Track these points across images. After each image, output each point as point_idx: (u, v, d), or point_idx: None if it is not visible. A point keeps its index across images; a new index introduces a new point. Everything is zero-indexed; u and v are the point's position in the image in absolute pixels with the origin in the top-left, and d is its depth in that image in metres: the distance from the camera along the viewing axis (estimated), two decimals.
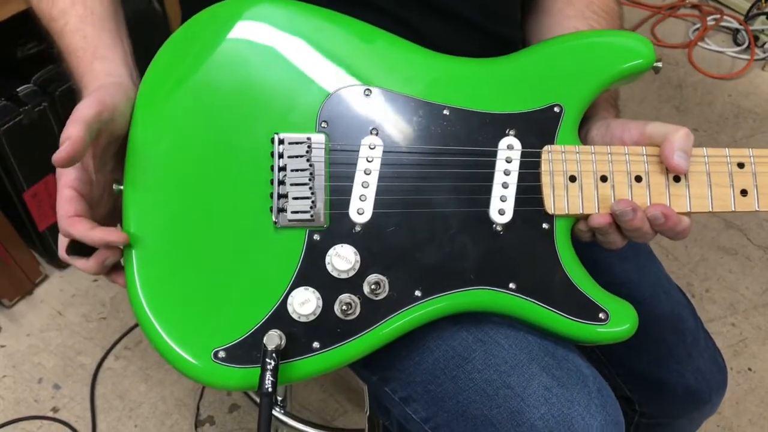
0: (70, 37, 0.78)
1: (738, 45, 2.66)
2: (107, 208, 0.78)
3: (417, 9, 0.83)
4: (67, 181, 0.73)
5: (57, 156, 0.67)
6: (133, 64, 0.81)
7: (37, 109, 1.51)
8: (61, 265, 1.80)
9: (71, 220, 0.72)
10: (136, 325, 1.71)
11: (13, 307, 1.74)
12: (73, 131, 0.68)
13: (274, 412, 1.35)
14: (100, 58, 0.77)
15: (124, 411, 1.58)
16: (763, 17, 2.66)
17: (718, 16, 2.74)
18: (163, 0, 1.71)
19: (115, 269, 0.77)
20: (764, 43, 2.65)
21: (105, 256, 0.74)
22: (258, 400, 1.58)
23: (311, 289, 0.74)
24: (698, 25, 2.72)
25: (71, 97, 0.81)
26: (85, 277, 1.80)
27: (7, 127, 1.47)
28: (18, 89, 1.53)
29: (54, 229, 1.69)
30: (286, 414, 1.48)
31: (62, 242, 0.75)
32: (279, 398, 1.48)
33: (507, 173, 0.77)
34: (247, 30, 0.77)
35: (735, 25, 2.70)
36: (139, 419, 1.57)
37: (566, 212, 0.77)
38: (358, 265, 0.74)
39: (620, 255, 0.97)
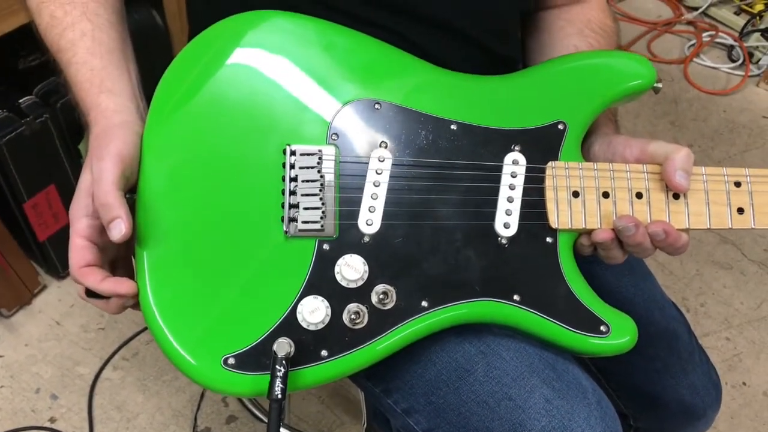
0: (77, 69, 0.78)
1: (733, 61, 2.68)
2: (125, 248, 0.78)
3: (421, 27, 0.85)
4: (78, 230, 0.73)
5: (119, 236, 0.69)
6: (141, 95, 0.81)
7: (38, 120, 1.51)
8: (60, 276, 1.80)
9: (82, 270, 0.72)
10: (134, 336, 1.71)
11: (11, 317, 1.73)
12: (114, 202, 0.69)
13: None
14: (106, 91, 0.77)
15: (122, 422, 1.58)
16: (757, 34, 2.69)
17: (713, 32, 2.76)
18: (164, 12, 1.72)
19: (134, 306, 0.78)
20: (759, 60, 2.68)
21: (121, 302, 0.75)
22: (255, 411, 1.59)
23: (320, 298, 0.74)
24: (693, 42, 2.74)
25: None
26: None
27: (9, 138, 1.47)
28: (20, 101, 1.53)
29: (53, 240, 1.70)
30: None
31: (79, 286, 0.76)
32: None
33: (512, 188, 0.78)
34: (259, 43, 0.78)
35: (730, 41, 2.73)
36: (136, 430, 1.57)
37: (569, 227, 0.78)
38: (366, 275, 0.75)
39: (615, 271, 0.99)
